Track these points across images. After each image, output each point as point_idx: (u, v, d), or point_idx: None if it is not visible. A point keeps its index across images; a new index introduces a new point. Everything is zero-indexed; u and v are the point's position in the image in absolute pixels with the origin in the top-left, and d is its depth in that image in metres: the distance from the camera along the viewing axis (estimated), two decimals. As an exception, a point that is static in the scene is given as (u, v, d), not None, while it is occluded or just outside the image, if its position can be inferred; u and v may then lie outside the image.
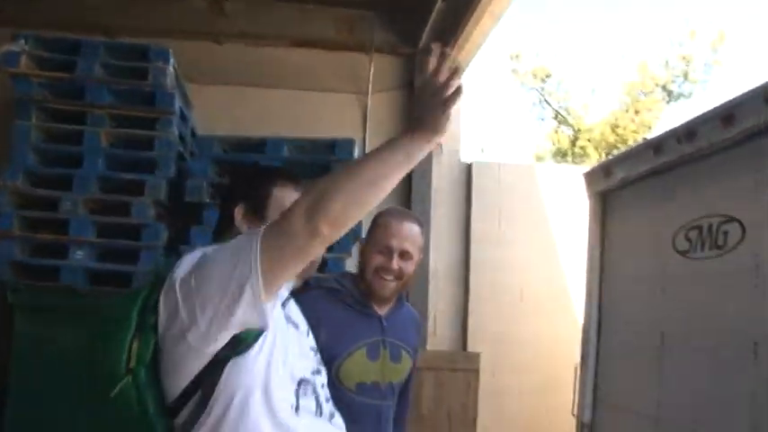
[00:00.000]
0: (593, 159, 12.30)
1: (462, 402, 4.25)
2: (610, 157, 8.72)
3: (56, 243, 3.76)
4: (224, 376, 1.46)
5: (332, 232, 1.35)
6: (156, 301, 1.49)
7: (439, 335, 5.38)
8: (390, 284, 2.17)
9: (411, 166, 1.43)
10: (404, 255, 2.16)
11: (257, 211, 1.69)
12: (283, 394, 1.54)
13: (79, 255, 3.72)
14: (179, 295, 1.43)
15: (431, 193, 5.34)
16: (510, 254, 5.64)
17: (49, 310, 3.64)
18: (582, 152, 13.75)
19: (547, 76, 14.19)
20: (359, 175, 1.39)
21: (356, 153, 4.09)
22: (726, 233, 3.11)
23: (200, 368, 1.45)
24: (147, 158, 3.88)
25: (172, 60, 3.97)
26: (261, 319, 1.42)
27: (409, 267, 2.19)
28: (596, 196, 4.39)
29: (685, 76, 13.51)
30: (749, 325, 2.89)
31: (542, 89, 14.35)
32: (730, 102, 3.05)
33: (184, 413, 1.48)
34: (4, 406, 3.64)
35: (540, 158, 14.22)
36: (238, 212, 1.70)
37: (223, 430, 1.47)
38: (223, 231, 1.71)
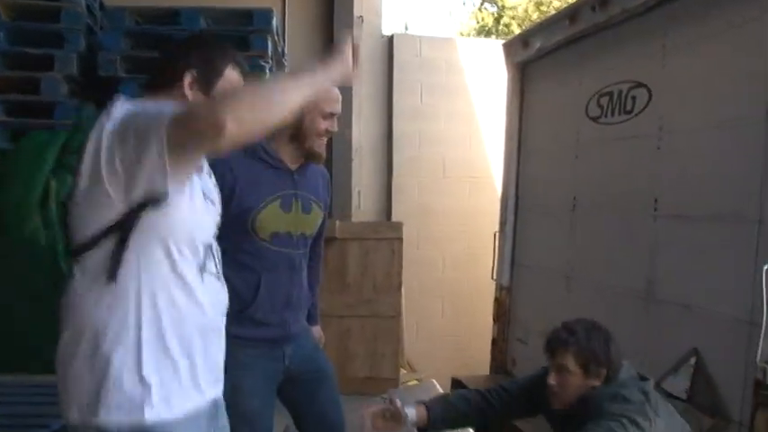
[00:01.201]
0: (517, 36, 12.31)
1: (387, 270, 4.39)
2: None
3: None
4: (137, 229, 1.51)
5: (237, 129, 1.37)
6: (80, 145, 1.51)
7: (363, 208, 5.49)
8: (324, 145, 2.33)
9: (318, 87, 1.60)
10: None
11: (207, 83, 1.68)
12: (190, 256, 1.59)
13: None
14: (104, 142, 1.46)
15: (352, 67, 5.29)
16: (432, 127, 5.71)
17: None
18: (506, 30, 13.69)
19: (471, -50, 13.91)
20: (271, 85, 1.55)
21: (275, 24, 4.00)
22: (634, 98, 3.25)
23: (115, 217, 1.49)
24: (53, 31, 3.70)
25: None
26: (162, 184, 1.45)
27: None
28: (515, 67, 4.45)
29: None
30: (652, 183, 3.08)
31: (466, -37, 14.10)
32: (644, -33, 3.10)
33: (96, 259, 1.52)
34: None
35: (464, 36, 14.09)
36: (187, 78, 1.67)
37: (134, 283, 1.52)
38: (159, 87, 1.69)
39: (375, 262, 4.32)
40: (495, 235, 4.56)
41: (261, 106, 1.43)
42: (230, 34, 3.88)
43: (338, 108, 2.33)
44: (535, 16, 13.24)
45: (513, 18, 13.73)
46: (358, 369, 4.32)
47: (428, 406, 2.46)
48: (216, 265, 1.69)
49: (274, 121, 1.47)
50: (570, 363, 2.23)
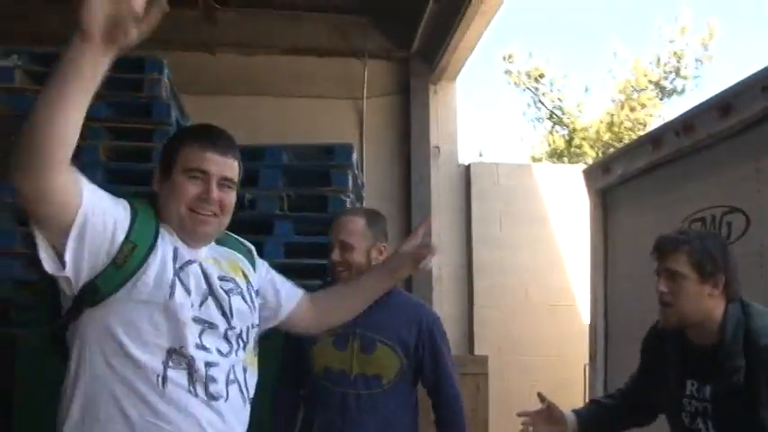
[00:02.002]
0: (590, 158, 12.29)
1: (473, 406, 4.20)
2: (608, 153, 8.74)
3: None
4: (80, 325, 1.50)
5: (19, 167, 1.31)
6: None
7: (444, 339, 5.36)
8: (343, 274, 2.29)
9: (89, 80, 1.31)
10: (344, 246, 2.31)
11: (163, 172, 1.64)
12: (148, 360, 1.49)
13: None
14: None
15: (430, 197, 5.34)
16: (512, 255, 5.63)
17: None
18: (578, 151, 13.74)
19: (540, 76, 14.19)
20: (33, 109, 1.31)
21: (354, 157, 4.09)
22: (729, 224, 3.10)
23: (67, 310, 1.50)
24: (145, 170, 3.86)
25: (166, 71, 3.95)
26: (47, 264, 1.44)
27: (354, 257, 2.30)
28: (596, 193, 4.38)
29: (677, 72, 13.54)
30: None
31: (536, 89, 14.37)
32: (727, 92, 3.06)
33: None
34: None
35: (536, 160, 14.21)
36: (155, 174, 1.67)
37: (90, 388, 1.49)
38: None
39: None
40: (584, 367, 4.34)
41: (30, 142, 1.30)
42: (312, 170, 3.97)
43: (334, 237, 2.35)
44: (607, 137, 13.27)
45: (584, 139, 13.80)
46: None
47: (575, 410, 2.35)
48: (193, 381, 1.52)
49: (38, 138, 1.30)
50: (682, 265, 1.96)
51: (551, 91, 14.43)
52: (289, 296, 1.88)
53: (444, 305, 5.36)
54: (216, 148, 1.62)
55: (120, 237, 1.50)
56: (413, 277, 5.06)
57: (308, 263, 3.93)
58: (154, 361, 1.49)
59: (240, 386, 1.61)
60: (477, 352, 5.32)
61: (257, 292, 1.77)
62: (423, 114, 5.46)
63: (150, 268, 1.52)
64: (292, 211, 3.91)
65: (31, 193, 1.35)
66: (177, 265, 1.57)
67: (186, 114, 4.53)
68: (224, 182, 1.63)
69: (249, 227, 3.89)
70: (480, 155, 14.30)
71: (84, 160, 3.83)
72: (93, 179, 3.86)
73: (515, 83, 14.54)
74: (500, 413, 5.19)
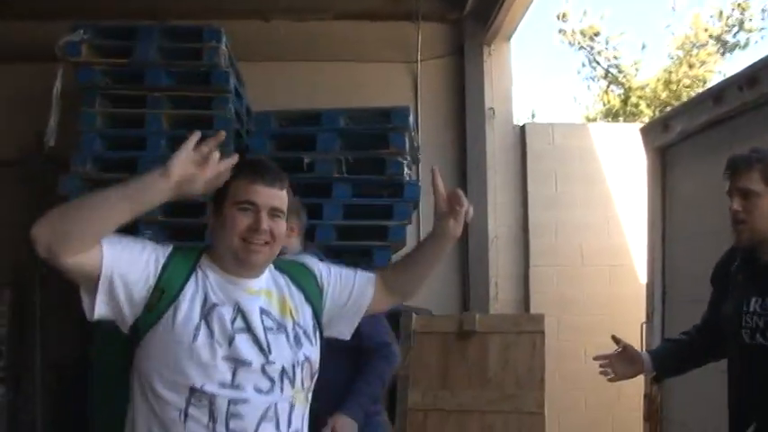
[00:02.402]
0: (646, 118, 11.99)
1: (529, 365, 4.24)
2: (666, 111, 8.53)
3: (126, 224, 3.88)
4: (134, 359, 1.68)
5: (46, 238, 1.49)
6: None
7: (501, 299, 5.40)
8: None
9: (145, 204, 1.58)
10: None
11: (215, 207, 1.74)
12: (171, 397, 1.62)
13: (147, 234, 3.85)
14: None
15: (486, 158, 5.34)
16: (568, 215, 5.60)
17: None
18: (634, 111, 13.43)
19: (595, 35, 13.82)
20: (90, 196, 1.64)
21: (411, 120, 4.12)
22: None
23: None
24: (206, 137, 3.97)
25: (224, 39, 4.04)
26: (87, 311, 1.63)
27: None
28: (654, 151, 4.32)
29: (741, 25, 13.04)
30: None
31: (591, 48, 14.03)
32: (794, 44, 2.97)
33: None
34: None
35: (590, 120, 13.93)
36: (209, 208, 1.79)
37: (135, 413, 1.69)
38: None
39: (516, 356, 4.19)
40: (641, 326, 4.34)
41: (69, 216, 1.52)
42: (369, 132, 4.03)
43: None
44: (664, 95, 12.93)
45: (640, 98, 13.46)
46: (501, 466, 4.15)
47: (649, 350, 2.51)
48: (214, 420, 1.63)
49: (84, 232, 1.52)
50: (756, 183, 2.03)
51: (606, 49, 14.06)
52: (361, 289, 1.90)
53: (500, 265, 5.39)
54: (264, 181, 1.72)
55: (152, 282, 1.64)
56: (468, 237, 5.12)
57: (367, 224, 4.02)
58: (177, 398, 1.62)
59: (278, 423, 1.68)
60: (533, 311, 5.34)
61: (317, 323, 1.82)
62: (477, 76, 5.42)
63: (177, 312, 1.65)
64: (350, 174, 3.98)
65: (40, 248, 1.50)
66: (206, 308, 1.67)
67: (244, 82, 4.62)
68: (273, 212, 1.72)
69: (308, 189, 3.99)
70: (533, 116, 14.07)
71: (148, 129, 3.98)
72: (157, 146, 4.04)
73: (570, 42, 14.23)
74: (556, 373, 5.24)
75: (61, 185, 3.95)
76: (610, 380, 2.50)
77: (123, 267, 1.61)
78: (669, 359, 2.44)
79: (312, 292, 1.83)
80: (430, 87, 5.37)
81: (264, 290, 1.76)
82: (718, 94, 3.54)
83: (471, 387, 4.04)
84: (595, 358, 2.47)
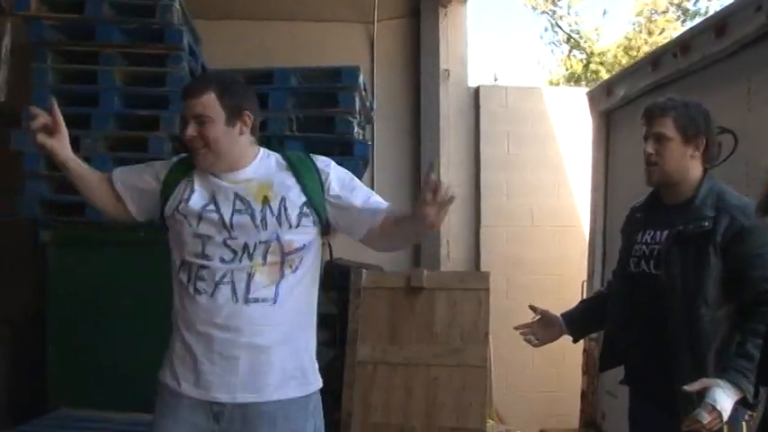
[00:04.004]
0: (607, 83, 12.14)
1: (474, 320, 4.38)
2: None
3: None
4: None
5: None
6: None
7: (452, 258, 5.54)
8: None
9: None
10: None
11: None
12: (175, 267, 2.11)
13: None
14: None
15: (439, 119, 5.42)
16: (520, 176, 5.73)
17: (79, 244, 3.85)
18: (595, 77, 13.60)
19: (557, -1, 13.97)
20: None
21: (362, 80, 4.18)
22: (719, 144, 3.19)
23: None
24: (160, 94, 4.00)
25: (177, -3, 4.03)
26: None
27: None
28: (599, 115, 4.46)
29: (700, -9, 13.24)
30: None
31: (553, 12, 14.15)
32: (722, 11, 3.10)
33: None
34: (44, 338, 3.89)
35: (553, 84, 14.08)
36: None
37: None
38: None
39: (462, 312, 4.33)
40: (582, 284, 4.51)
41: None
42: (320, 91, 4.09)
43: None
44: (624, 62, 13.12)
45: (601, 64, 13.64)
46: (445, 419, 4.31)
47: (563, 313, 2.64)
48: (205, 281, 2.03)
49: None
50: (669, 128, 2.22)
51: (569, 14, 14.19)
52: (363, 218, 2.12)
53: (452, 224, 5.51)
54: (186, 95, 2.05)
55: (157, 189, 2.15)
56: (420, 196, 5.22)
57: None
58: (177, 267, 2.11)
59: (234, 287, 2.01)
60: (483, 270, 5.48)
61: (300, 210, 2.08)
62: (433, 37, 5.48)
63: (168, 202, 2.11)
64: (301, 132, 4.05)
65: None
66: (185, 196, 2.08)
67: (199, 39, 4.62)
68: (198, 119, 2.01)
69: (261, 146, 4.05)
70: (495, 79, 14.16)
71: (101, 85, 3.99)
72: (109, 103, 4.04)
73: (532, 6, 14.30)
74: (503, 330, 5.40)
75: (14, 140, 3.95)
76: (534, 345, 2.65)
77: (137, 183, 2.21)
78: (578, 320, 2.60)
79: (311, 187, 2.10)
80: (386, 48, 5.43)
81: (245, 179, 2.08)
82: (655, 60, 3.67)
83: (418, 341, 4.17)
84: (516, 328, 2.62)
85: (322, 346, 2.92)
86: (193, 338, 2.03)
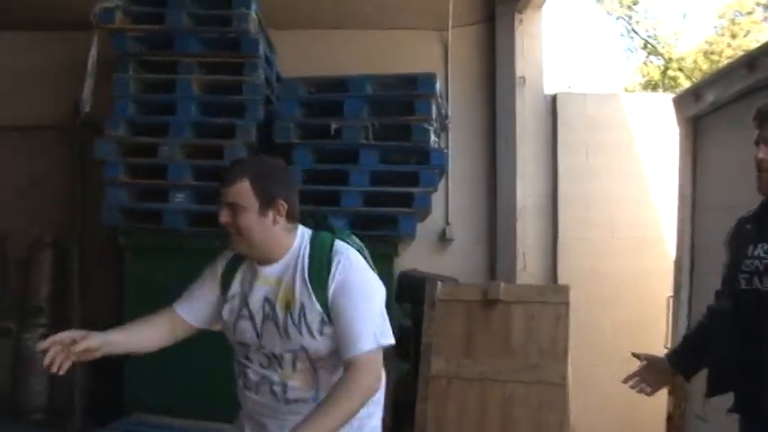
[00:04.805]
0: (686, 90, 11.73)
1: (552, 336, 4.24)
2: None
3: (158, 187, 3.98)
4: None
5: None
6: None
7: (528, 271, 5.38)
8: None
9: None
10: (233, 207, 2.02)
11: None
12: (235, 362, 2.12)
13: (179, 198, 3.93)
14: None
15: (515, 128, 5.30)
16: (598, 187, 5.54)
17: (156, 251, 3.90)
18: (673, 83, 13.17)
19: (634, 3, 13.56)
20: None
21: (438, 87, 4.11)
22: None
23: None
24: (236, 103, 4.03)
25: (254, 6, 4.07)
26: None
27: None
28: (686, 122, 4.25)
29: (792, -11, 12.64)
30: None
31: (629, 18, 13.76)
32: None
33: None
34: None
35: (629, 92, 13.70)
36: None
37: None
38: None
39: (540, 326, 4.19)
40: (668, 300, 4.30)
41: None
42: (396, 99, 4.03)
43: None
44: (705, 67, 12.65)
45: (680, 70, 13.20)
46: (522, 437, 4.18)
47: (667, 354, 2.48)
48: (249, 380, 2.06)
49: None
50: None
51: (646, 19, 13.79)
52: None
53: (529, 236, 5.37)
54: (222, 184, 1.98)
55: (218, 291, 2.12)
56: (497, 207, 5.11)
57: (393, 191, 4.04)
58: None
59: (273, 390, 2.02)
60: (560, 283, 5.32)
61: (321, 318, 1.95)
62: (508, 44, 5.36)
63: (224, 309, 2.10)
64: (377, 140, 4.00)
65: None
66: (228, 301, 2.08)
67: (274, 48, 4.64)
68: (231, 207, 1.95)
69: (335, 156, 4.02)
70: (569, 87, 13.88)
71: (179, 93, 4.04)
72: (187, 111, 4.12)
73: (608, 11, 13.97)
74: (582, 346, 5.22)
75: (96, 149, 4.05)
76: (648, 394, 2.49)
77: (204, 300, 2.13)
78: (686, 356, 2.41)
79: (317, 289, 1.95)
80: (460, 55, 5.34)
81: (275, 278, 2.00)
82: (751, 61, 3.45)
83: (494, 356, 4.05)
84: (624, 381, 2.46)
85: (395, 359, 2.85)
86: (249, 416, 2.12)
